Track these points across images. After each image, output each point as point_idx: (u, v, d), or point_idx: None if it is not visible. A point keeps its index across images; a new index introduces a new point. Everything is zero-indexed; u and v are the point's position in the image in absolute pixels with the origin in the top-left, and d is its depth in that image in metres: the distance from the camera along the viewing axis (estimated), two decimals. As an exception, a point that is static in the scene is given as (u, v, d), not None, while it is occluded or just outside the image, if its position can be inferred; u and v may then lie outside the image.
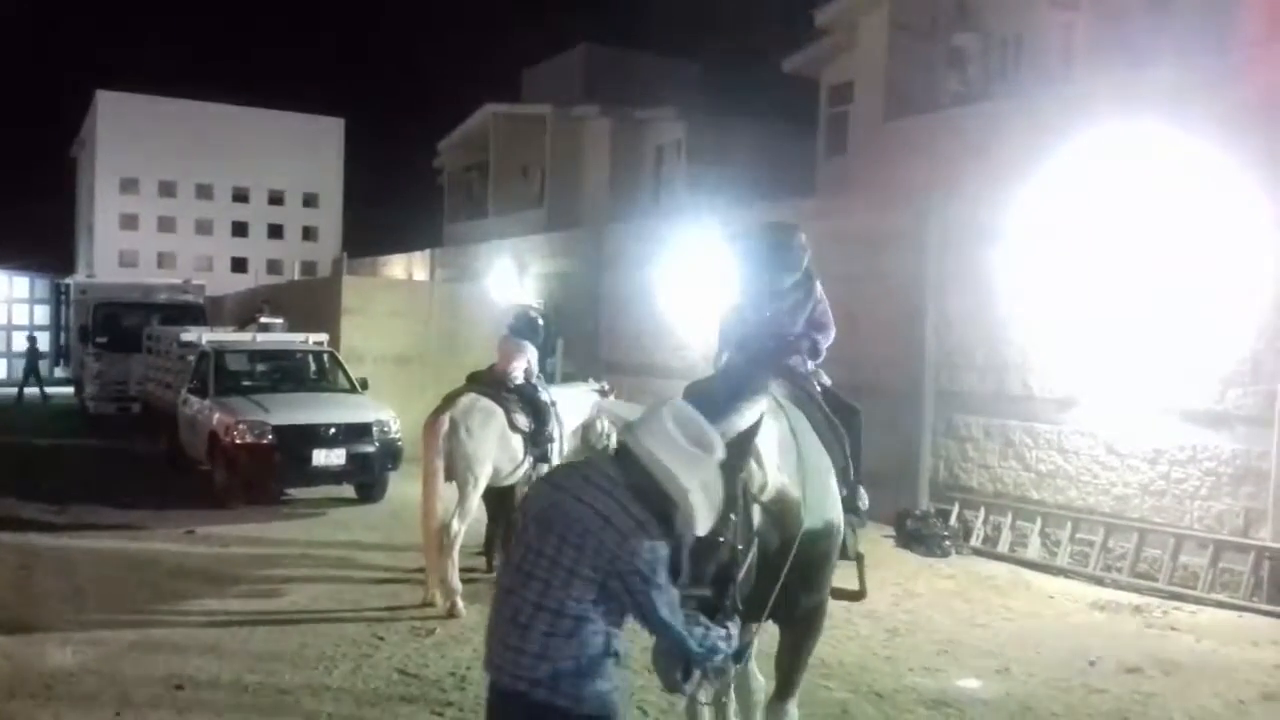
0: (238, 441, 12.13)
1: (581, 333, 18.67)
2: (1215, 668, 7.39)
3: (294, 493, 13.08)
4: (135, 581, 8.97)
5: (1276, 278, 9.07)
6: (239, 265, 64.11)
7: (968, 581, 9.86)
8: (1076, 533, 10.42)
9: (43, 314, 33.67)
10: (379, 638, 7.53)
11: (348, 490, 13.06)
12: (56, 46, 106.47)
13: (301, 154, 68.02)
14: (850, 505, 4.87)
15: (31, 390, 26.49)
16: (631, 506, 3.15)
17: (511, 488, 9.02)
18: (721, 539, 3.47)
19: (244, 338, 15.82)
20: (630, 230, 19.35)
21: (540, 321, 9.81)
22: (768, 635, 4.52)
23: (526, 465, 8.91)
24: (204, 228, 68.18)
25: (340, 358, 14.72)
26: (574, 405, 9.59)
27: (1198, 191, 9.54)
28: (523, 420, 8.91)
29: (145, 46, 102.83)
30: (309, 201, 70.69)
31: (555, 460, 8.91)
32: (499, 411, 8.73)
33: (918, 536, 11.04)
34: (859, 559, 5.11)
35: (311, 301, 18.45)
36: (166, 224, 67.09)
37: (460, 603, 8.10)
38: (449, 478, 8.47)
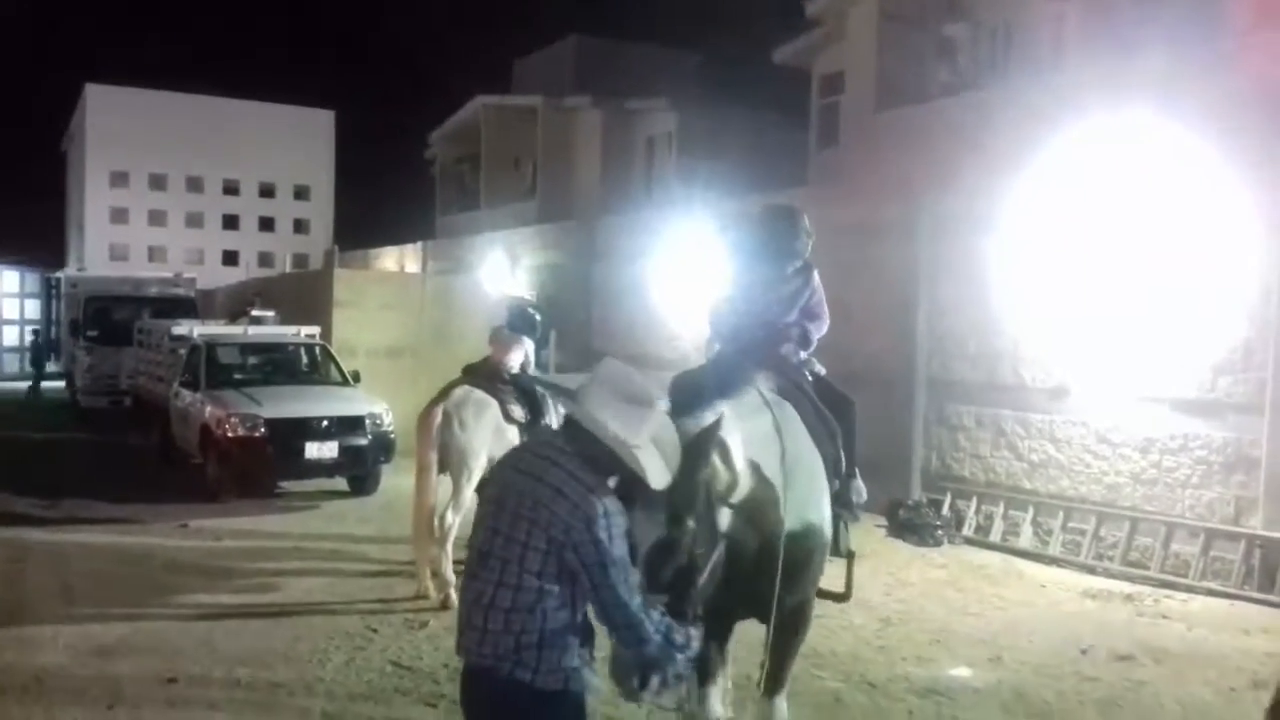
0: (230, 435, 12.10)
1: (573, 324, 18.66)
2: (1206, 656, 7.43)
3: (286, 486, 13.05)
4: (127, 575, 8.95)
5: (1267, 266, 9.09)
6: (230, 258, 64.07)
7: (960, 571, 9.88)
8: (1068, 522, 10.45)
9: (33, 308, 33.55)
10: (372, 630, 7.53)
11: (340, 483, 13.04)
12: (46, 40, 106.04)
13: (292, 146, 67.87)
14: (842, 500, 4.75)
15: (37, 384, 26.59)
16: (581, 473, 3.10)
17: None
18: (677, 540, 3.34)
19: (235, 331, 15.77)
20: (622, 222, 19.35)
21: (537, 317, 9.80)
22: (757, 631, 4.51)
23: None
24: (194, 221, 68.05)
25: (332, 350, 14.70)
26: None
27: (1188, 180, 9.55)
28: (518, 411, 8.90)
29: (135, 39, 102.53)
30: (300, 194, 70.57)
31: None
32: (493, 403, 8.72)
33: (910, 526, 11.07)
34: (849, 556, 4.98)
35: (303, 294, 18.40)
36: (157, 217, 66.95)
37: (454, 594, 8.08)
38: (443, 470, 8.47)
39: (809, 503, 4.42)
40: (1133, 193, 9.99)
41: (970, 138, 13.00)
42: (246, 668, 6.67)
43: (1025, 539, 10.71)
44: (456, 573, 8.35)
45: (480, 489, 8.88)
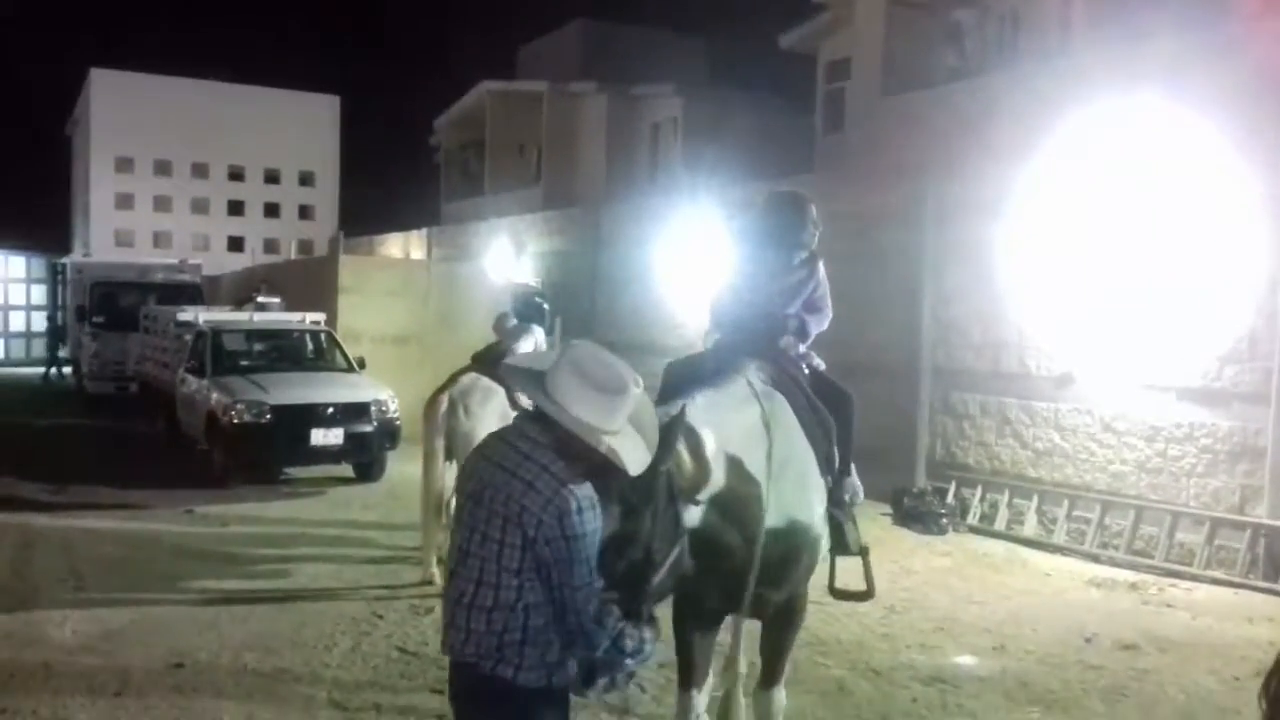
0: (236, 421, 12.13)
1: (578, 311, 18.64)
2: (1211, 644, 7.43)
3: (292, 472, 13.09)
4: (134, 561, 8.98)
5: (1274, 254, 9.05)
6: (235, 244, 64.06)
7: (964, 559, 9.89)
8: (1073, 510, 10.45)
9: (39, 294, 33.66)
10: (378, 616, 7.55)
11: (346, 469, 13.06)
12: (51, 25, 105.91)
13: (298, 132, 67.71)
14: (835, 498, 4.59)
15: (51, 369, 26.92)
16: (554, 466, 3.02)
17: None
18: (632, 534, 3.15)
19: (241, 317, 15.79)
20: (627, 209, 19.30)
21: (545, 305, 9.80)
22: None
23: None
24: (200, 206, 67.97)
25: (337, 337, 14.71)
26: None
27: (1196, 165, 9.50)
28: (525, 399, 8.88)
29: (140, 24, 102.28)
30: (305, 180, 70.45)
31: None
32: (500, 390, 8.70)
33: (915, 514, 11.07)
34: (864, 553, 4.80)
35: (308, 281, 18.42)
36: (162, 203, 66.89)
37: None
38: (449, 457, 8.48)
39: (798, 499, 4.29)
40: (1140, 178, 9.94)
41: (976, 123, 12.96)
42: (253, 653, 6.69)
43: (1030, 527, 10.70)
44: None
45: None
